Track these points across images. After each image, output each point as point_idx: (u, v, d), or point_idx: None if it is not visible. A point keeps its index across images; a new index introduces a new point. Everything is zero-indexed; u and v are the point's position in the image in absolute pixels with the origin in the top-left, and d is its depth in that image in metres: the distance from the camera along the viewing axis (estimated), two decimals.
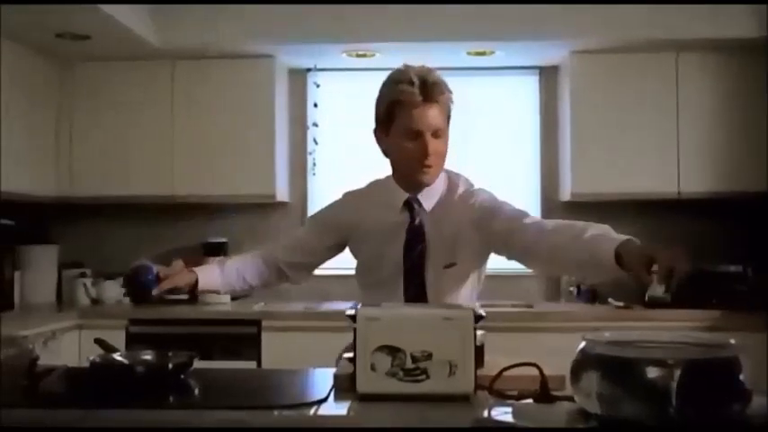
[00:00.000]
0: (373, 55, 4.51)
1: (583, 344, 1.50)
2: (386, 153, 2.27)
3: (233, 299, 4.37)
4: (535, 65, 4.83)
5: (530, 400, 1.65)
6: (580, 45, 4.41)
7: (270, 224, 4.75)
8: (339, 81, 4.81)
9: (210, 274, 2.28)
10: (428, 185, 2.23)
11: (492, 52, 4.53)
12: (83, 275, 4.52)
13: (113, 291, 4.37)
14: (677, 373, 1.36)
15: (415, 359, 1.68)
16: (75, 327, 4.08)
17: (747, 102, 4.37)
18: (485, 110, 4.83)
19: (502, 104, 4.86)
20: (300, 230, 2.48)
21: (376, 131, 2.25)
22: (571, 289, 4.62)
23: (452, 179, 2.30)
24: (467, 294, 2.27)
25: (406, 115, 2.15)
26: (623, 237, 1.85)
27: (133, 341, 3.90)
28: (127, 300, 4.07)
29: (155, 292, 2.12)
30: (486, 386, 1.70)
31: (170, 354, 1.96)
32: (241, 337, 4.11)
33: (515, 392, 1.69)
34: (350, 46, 4.43)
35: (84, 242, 4.81)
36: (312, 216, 2.54)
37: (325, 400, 1.72)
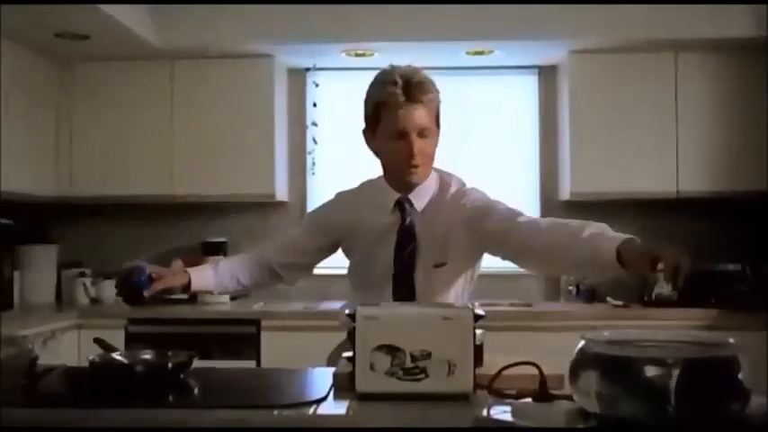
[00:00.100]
0: (372, 54, 4.51)
1: (582, 343, 1.50)
2: (376, 153, 2.27)
3: (232, 299, 4.37)
4: (534, 64, 4.83)
5: (529, 400, 1.66)
6: (579, 45, 4.41)
7: (269, 224, 4.75)
8: (338, 80, 4.81)
9: (204, 275, 2.28)
10: (417, 185, 2.23)
11: (491, 52, 4.53)
12: (82, 275, 4.53)
13: (113, 290, 4.30)
14: (676, 372, 1.36)
15: (414, 358, 1.69)
16: (75, 326, 4.09)
17: (747, 101, 4.38)
18: (484, 109, 4.84)
19: (501, 104, 4.86)
20: (295, 231, 2.48)
21: (365, 132, 2.25)
22: (570, 288, 4.62)
23: (444, 179, 2.29)
24: (457, 294, 2.26)
25: (392, 116, 2.15)
26: (623, 235, 1.85)
27: (132, 341, 3.90)
28: None
29: (146, 293, 2.13)
30: (486, 385, 1.70)
31: (169, 353, 1.96)
32: (240, 336, 4.12)
33: (514, 392, 1.69)
34: (349, 45, 4.44)
35: (83, 242, 4.81)
36: (305, 217, 2.54)
37: (324, 399, 1.72)
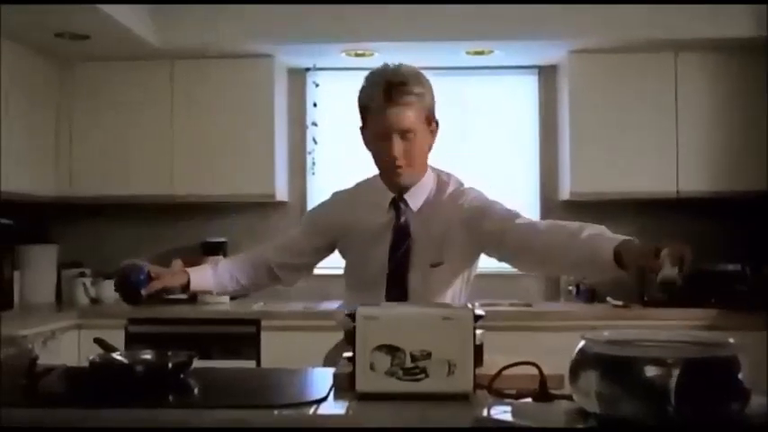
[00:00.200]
0: (372, 54, 4.51)
1: (582, 343, 1.50)
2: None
3: (232, 299, 4.37)
4: (534, 64, 4.83)
5: (529, 400, 1.66)
6: (579, 45, 4.41)
7: (269, 224, 4.75)
8: (338, 81, 4.80)
9: (203, 275, 2.29)
10: (405, 186, 2.23)
11: (491, 52, 4.54)
12: (82, 275, 4.53)
13: (113, 290, 4.32)
14: (676, 372, 1.36)
15: (414, 358, 1.69)
16: (75, 326, 4.09)
17: (746, 102, 4.38)
18: (484, 109, 4.84)
19: (501, 104, 4.86)
20: (293, 231, 2.48)
21: (361, 131, 2.27)
22: (570, 288, 4.62)
23: (442, 178, 2.29)
24: (454, 295, 2.26)
25: (374, 118, 2.17)
26: (621, 237, 1.85)
27: (132, 341, 3.90)
28: None
29: (144, 292, 2.13)
30: (486, 385, 1.70)
31: (169, 353, 1.96)
32: (240, 336, 4.12)
33: (514, 392, 1.69)
34: (349, 45, 4.44)
35: (83, 242, 4.81)
36: (303, 217, 2.55)
37: (324, 399, 1.72)
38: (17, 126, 4.09)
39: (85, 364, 1.93)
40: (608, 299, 4.44)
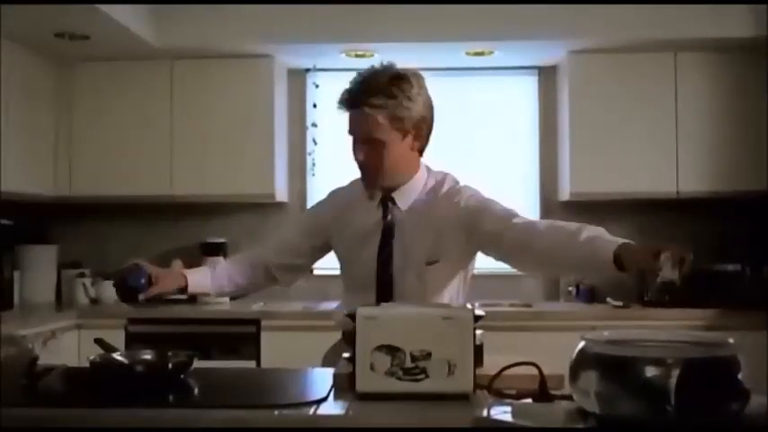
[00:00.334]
0: (372, 55, 4.51)
1: (582, 343, 1.50)
2: None
3: (232, 299, 4.37)
4: (534, 65, 4.83)
5: (529, 400, 1.66)
6: (579, 45, 4.41)
7: (269, 224, 4.75)
8: (338, 81, 4.72)
9: (201, 277, 2.30)
10: (374, 189, 2.24)
11: (491, 52, 4.54)
12: (82, 275, 4.53)
13: (113, 290, 4.33)
14: (676, 371, 1.36)
15: (414, 358, 1.69)
16: (75, 326, 4.09)
17: (746, 102, 4.38)
18: (484, 110, 4.84)
19: (501, 105, 4.86)
20: (290, 231, 2.48)
21: None
22: (570, 288, 4.62)
23: (436, 177, 2.28)
24: (452, 294, 2.25)
25: (347, 120, 2.19)
26: (619, 239, 1.85)
27: (133, 341, 3.90)
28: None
29: (142, 297, 2.13)
30: (486, 385, 1.70)
31: (170, 353, 1.96)
32: (240, 336, 4.12)
33: (514, 392, 1.69)
34: (349, 46, 4.44)
35: (83, 242, 4.81)
36: (301, 216, 2.55)
37: (324, 399, 1.72)
38: (17, 126, 4.09)
39: (85, 364, 1.93)
40: (608, 299, 4.45)
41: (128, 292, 2.13)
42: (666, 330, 1.62)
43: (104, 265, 4.65)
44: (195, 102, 4.55)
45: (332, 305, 4.29)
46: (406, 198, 2.24)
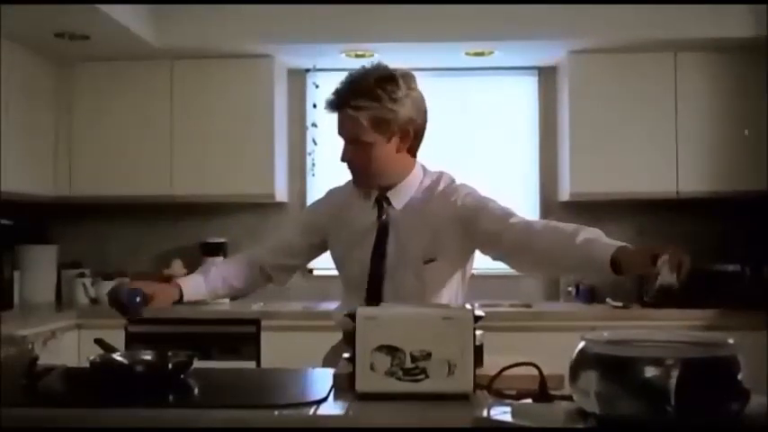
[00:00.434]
0: (372, 55, 4.50)
1: (581, 343, 1.50)
2: None
3: (231, 299, 4.37)
4: (534, 65, 4.83)
5: (528, 400, 1.66)
6: (579, 45, 4.41)
7: (269, 224, 4.75)
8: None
9: (196, 285, 2.30)
10: (363, 188, 2.25)
11: (491, 53, 4.54)
12: (82, 275, 4.53)
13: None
14: (675, 372, 1.36)
15: (414, 359, 1.69)
16: (75, 326, 4.09)
17: (746, 102, 4.38)
18: (484, 110, 4.84)
19: (501, 105, 4.86)
20: (286, 231, 2.49)
21: None
22: (570, 289, 4.62)
23: (432, 176, 2.28)
24: (451, 294, 2.25)
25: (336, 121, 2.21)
26: (617, 242, 1.85)
27: (132, 341, 3.89)
28: None
29: (140, 314, 2.13)
30: (486, 386, 1.70)
31: (170, 353, 1.96)
32: (240, 336, 4.11)
33: (514, 392, 1.69)
34: (349, 46, 4.44)
35: (83, 242, 4.81)
36: (300, 215, 2.55)
37: (324, 399, 1.72)
38: (17, 126, 4.09)
39: (85, 364, 1.93)
40: (608, 299, 4.45)
41: (129, 312, 2.12)
42: (666, 330, 1.62)
43: (104, 265, 4.66)
44: (195, 102, 4.55)
45: (332, 305, 4.28)
46: (401, 197, 2.24)
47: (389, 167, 2.21)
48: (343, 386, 1.75)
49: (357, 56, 4.53)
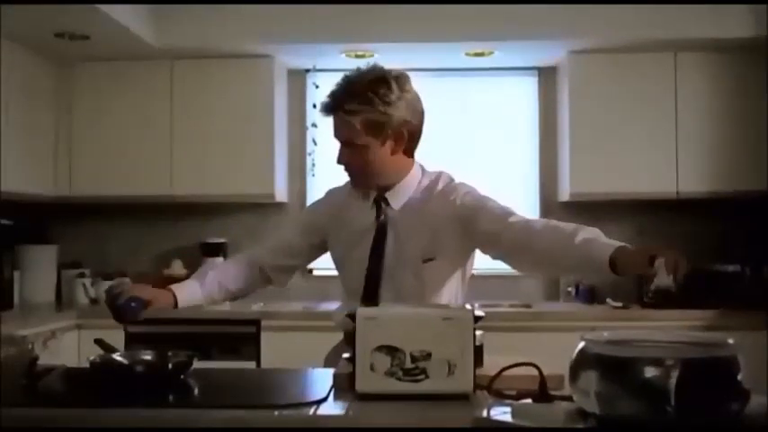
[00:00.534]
0: (372, 55, 4.50)
1: (581, 343, 1.50)
2: None
3: (231, 300, 4.36)
4: (534, 65, 4.83)
5: (528, 400, 1.66)
6: (579, 45, 4.41)
7: (269, 224, 4.75)
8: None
9: (191, 291, 2.29)
10: (361, 189, 2.26)
11: (491, 53, 4.54)
12: (82, 275, 4.53)
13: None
14: (675, 372, 1.36)
15: (414, 359, 1.69)
16: (75, 327, 4.09)
17: (746, 102, 4.38)
18: (484, 111, 4.84)
19: (501, 105, 4.86)
20: (284, 231, 2.49)
21: None
22: (569, 289, 4.62)
23: (430, 176, 2.28)
24: (451, 294, 2.24)
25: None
26: (616, 242, 1.85)
27: (132, 341, 3.88)
28: None
29: (141, 318, 2.12)
30: (485, 386, 1.70)
31: (170, 354, 1.97)
32: (240, 336, 4.11)
33: (514, 392, 1.69)
34: (349, 46, 4.43)
35: (83, 242, 4.81)
36: (299, 215, 2.55)
37: (324, 399, 1.72)
38: (17, 126, 4.09)
39: (85, 364, 1.93)
40: (607, 300, 4.45)
41: (118, 317, 2.12)
42: (666, 331, 1.62)
43: (104, 265, 4.66)
44: (195, 102, 4.55)
45: (332, 305, 4.28)
46: (399, 197, 2.24)
47: (385, 169, 2.21)
48: (343, 386, 1.76)
49: (357, 56, 4.52)
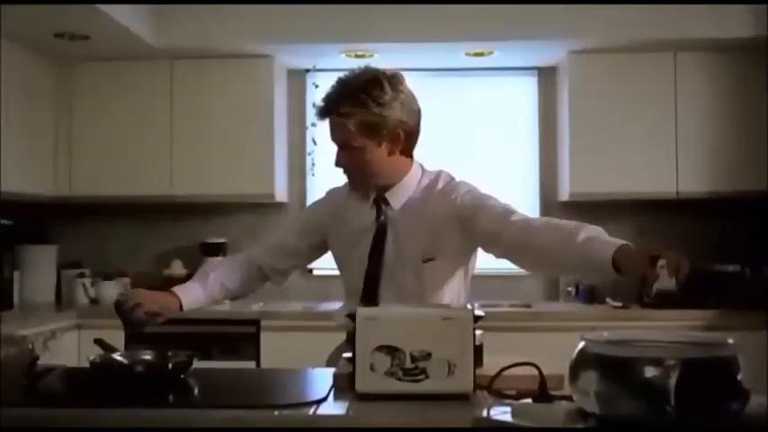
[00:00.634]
0: (372, 55, 4.51)
1: (581, 343, 1.50)
2: None
3: (230, 300, 4.36)
4: (533, 65, 4.83)
5: (528, 400, 1.66)
6: (578, 45, 4.41)
7: (269, 224, 4.74)
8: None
9: (194, 293, 2.29)
10: (360, 191, 2.26)
11: (490, 53, 4.53)
12: (82, 275, 4.53)
13: (112, 291, 4.37)
14: (675, 372, 1.36)
15: (414, 359, 1.69)
16: (75, 326, 4.09)
17: (746, 102, 4.38)
18: (483, 111, 4.84)
19: (500, 105, 4.86)
20: (283, 231, 2.49)
21: None
22: (569, 289, 4.62)
23: (430, 176, 2.27)
24: (452, 293, 2.24)
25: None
26: (618, 241, 1.84)
27: (132, 341, 3.87)
28: None
29: (149, 329, 2.15)
30: (485, 386, 1.70)
31: (170, 353, 1.97)
32: (240, 336, 4.12)
33: (514, 392, 1.69)
34: (349, 46, 4.43)
35: (83, 242, 4.81)
36: (299, 215, 2.55)
37: (324, 399, 1.72)
38: (17, 126, 4.09)
39: (85, 364, 1.93)
40: (607, 300, 4.45)
41: (128, 326, 2.14)
42: (666, 331, 1.62)
43: (104, 265, 4.66)
44: (195, 102, 4.55)
45: (332, 305, 4.29)
46: (399, 197, 2.24)
47: (384, 170, 2.21)
48: (343, 386, 1.76)
49: (357, 56, 4.52)
